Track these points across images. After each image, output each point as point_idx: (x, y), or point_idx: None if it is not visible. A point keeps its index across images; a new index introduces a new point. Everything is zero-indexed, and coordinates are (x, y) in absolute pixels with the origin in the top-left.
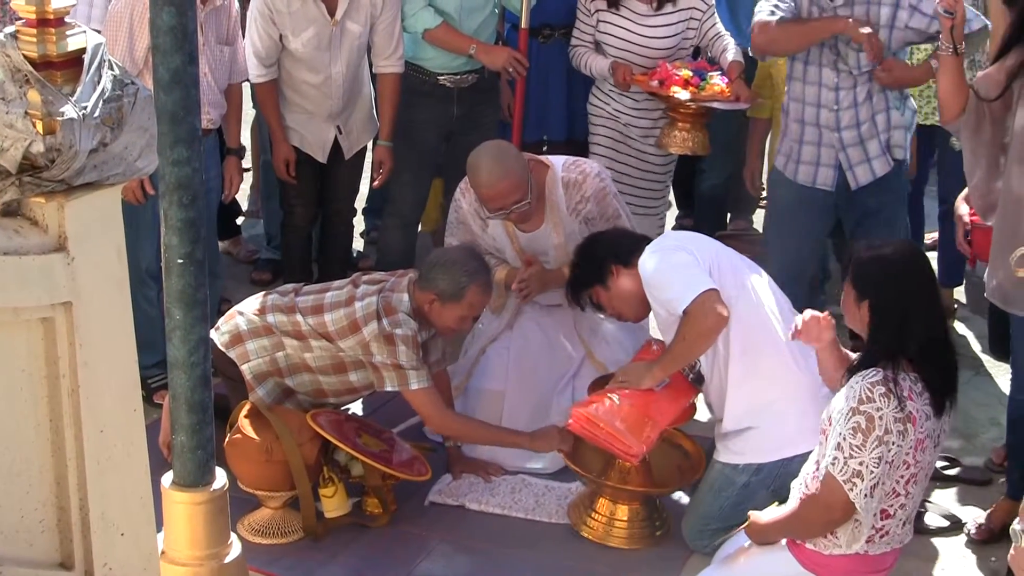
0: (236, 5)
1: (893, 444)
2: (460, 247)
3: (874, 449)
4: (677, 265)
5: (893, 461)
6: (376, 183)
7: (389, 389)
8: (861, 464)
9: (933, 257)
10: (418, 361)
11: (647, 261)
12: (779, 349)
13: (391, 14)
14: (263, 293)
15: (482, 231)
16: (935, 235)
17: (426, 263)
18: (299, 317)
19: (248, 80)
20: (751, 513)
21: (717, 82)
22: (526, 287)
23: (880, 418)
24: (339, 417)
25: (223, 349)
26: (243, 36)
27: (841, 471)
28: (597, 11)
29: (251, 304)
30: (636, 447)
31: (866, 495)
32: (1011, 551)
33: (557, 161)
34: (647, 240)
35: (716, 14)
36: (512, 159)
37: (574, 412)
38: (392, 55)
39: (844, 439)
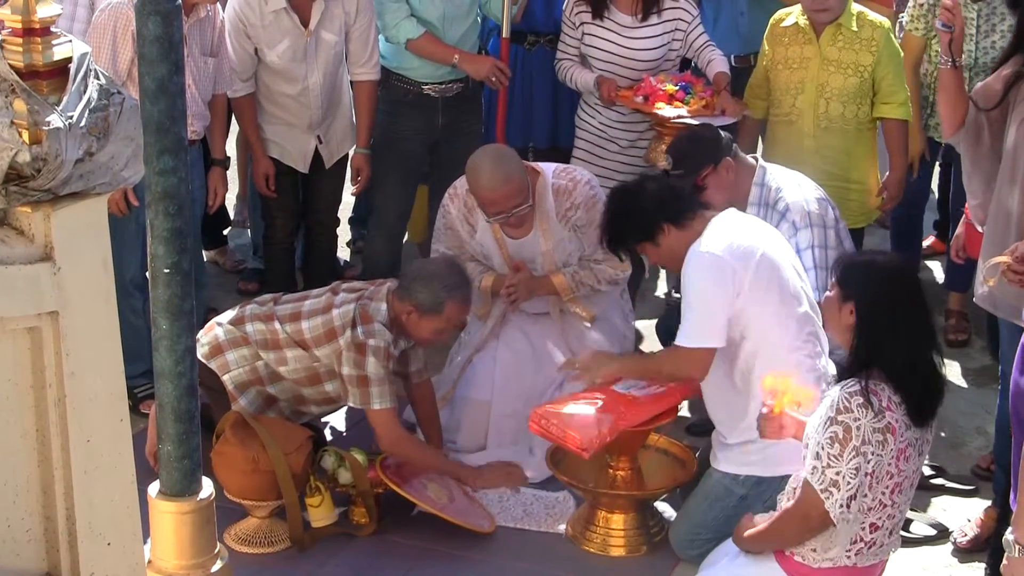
0: (220, 16)
1: (872, 455)
2: (441, 259)
3: (851, 459)
4: (707, 291)
5: (874, 472)
6: (354, 191)
7: (351, 404)
8: (838, 474)
9: (933, 266)
10: (385, 375)
11: (693, 258)
12: (805, 367)
13: (365, 21)
14: (242, 303)
15: (470, 237)
16: (927, 241)
17: (406, 274)
18: (277, 325)
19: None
20: (742, 520)
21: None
22: (514, 292)
23: (858, 428)
24: (404, 465)
25: (203, 360)
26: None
27: (819, 480)
28: (582, 24)
29: (230, 315)
30: (583, 441)
31: (842, 506)
32: (1004, 561)
33: (547, 168)
34: (692, 198)
35: (702, 24)
36: (513, 163)
37: (532, 413)
38: (367, 62)
39: (822, 448)
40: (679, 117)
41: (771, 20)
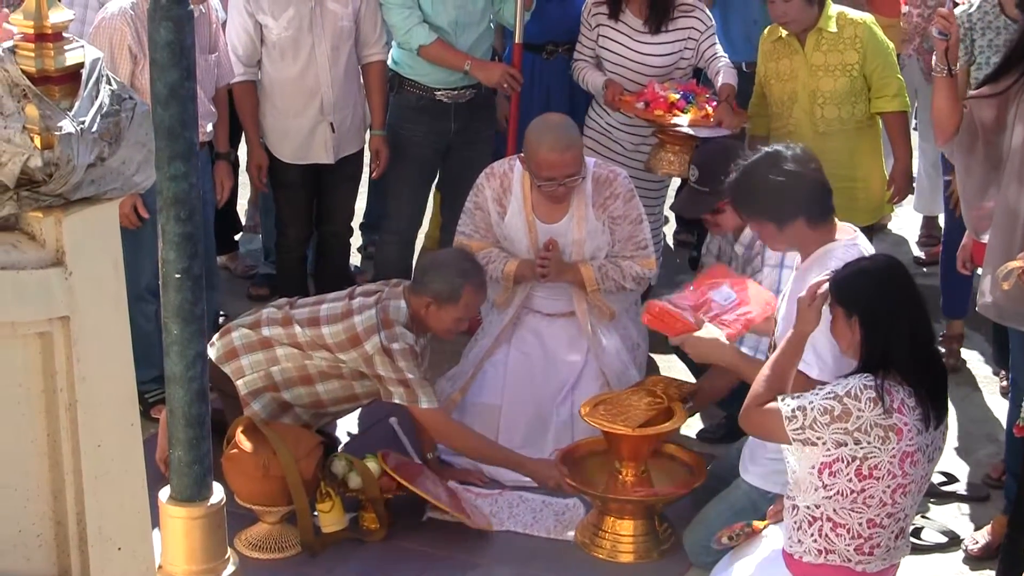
0: (215, 12)
1: (867, 444)
2: (451, 249)
3: (833, 433)
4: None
5: (865, 458)
6: (374, 174)
7: (397, 402)
8: (819, 439)
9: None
10: (420, 373)
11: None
12: None
13: (373, 1)
14: (258, 308)
15: (499, 218)
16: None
17: (419, 268)
18: (296, 329)
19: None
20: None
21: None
22: (547, 265)
23: (858, 417)
24: (407, 460)
25: (218, 364)
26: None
27: (791, 416)
28: (598, 25)
29: (246, 319)
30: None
31: (794, 411)
32: None
33: (588, 159)
34: (831, 200)
35: (715, 34)
36: (576, 132)
37: (648, 305)
38: (377, 43)
39: (812, 405)
40: (676, 126)
41: (761, 37)
